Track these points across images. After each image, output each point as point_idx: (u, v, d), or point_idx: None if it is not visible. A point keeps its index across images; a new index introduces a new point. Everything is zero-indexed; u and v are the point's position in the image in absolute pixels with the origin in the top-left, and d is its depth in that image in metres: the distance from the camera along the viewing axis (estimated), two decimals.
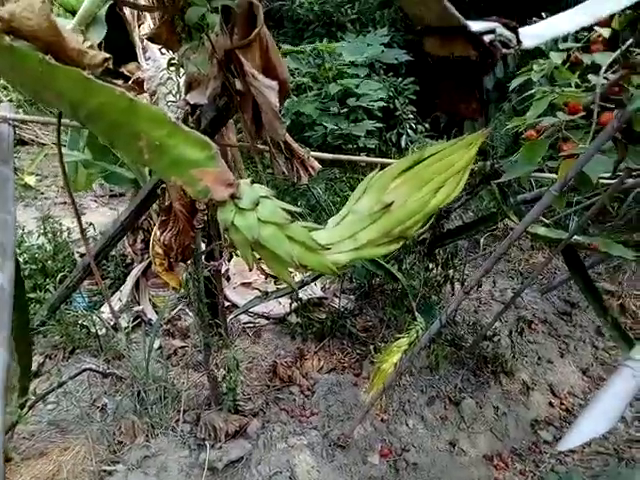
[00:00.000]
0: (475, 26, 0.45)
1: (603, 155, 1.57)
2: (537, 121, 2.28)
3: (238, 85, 1.44)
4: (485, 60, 0.49)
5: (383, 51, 4.83)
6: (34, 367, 2.56)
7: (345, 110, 4.36)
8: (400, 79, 4.91)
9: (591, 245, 2.38)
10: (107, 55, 0.56)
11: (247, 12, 1.37)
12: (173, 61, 1.42)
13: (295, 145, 1.78)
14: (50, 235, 3.28)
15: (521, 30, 0.50)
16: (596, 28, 2.18)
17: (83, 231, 2.13)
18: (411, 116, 4.93)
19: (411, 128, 4.95)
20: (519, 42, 0.48)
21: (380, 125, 4.48)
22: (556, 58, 1.98)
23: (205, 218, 1.88)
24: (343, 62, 4.42)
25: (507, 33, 0.46)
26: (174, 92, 1.57)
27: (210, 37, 1.32)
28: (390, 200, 0.63)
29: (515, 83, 2.95)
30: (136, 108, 0.50)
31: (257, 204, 0.54)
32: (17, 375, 1.84)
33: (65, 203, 4.71)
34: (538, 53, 2.93)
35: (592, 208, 2.20)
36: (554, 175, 2.34)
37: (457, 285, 3.25)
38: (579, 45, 2.18)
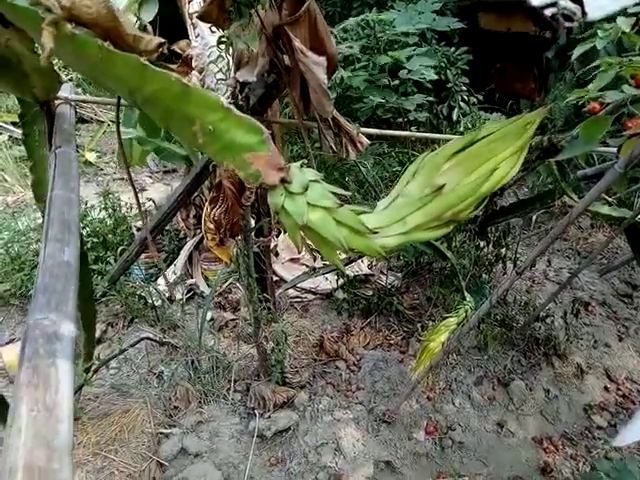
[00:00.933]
0: (535, 0, 0.42)
1: None
2: (600, 94, 2.14)
3: (286, 61, 1.43)
4: (545, 35, 0.46)
5: (435, 19, 4.63)
6: (97, 334, 2.74)
7: (396, 82, 4.24)
8: (453, 49, 4.71)
9: None
10: (162, 40, 0.57)
11: None
12: (223, 39, 1.43)
13: (343, 120, 1.75)
14: (110, 210, 3.44)
15: (586, 0, 0.46)
16: None
17: (140, 206, 2.23)
18: (464, 88, 4.72)
19: (463, 100, 4.75)
20: (584, 14, 0.45)
21: (431, 99, 4.34)
22: (623, 23, 1.83)
23: (253, 196, 1.91)
24: (394, 32, 4.28)
25: (571, 5, 0.43)
26: (224, 70, 1.58)
27: (259, 13, 1.31)
28: (441, 183, 0.62)
29: (578, 51, 2.76)
30: (190, 93, 0.50)
31: (306, 188, 0.55)
32: (82, 342, 1.98)
33: (123, 179, 4.92)
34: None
35: None
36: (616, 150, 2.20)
37: (509, 264, 3.15)
38: None
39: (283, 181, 0.53)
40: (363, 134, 1.85)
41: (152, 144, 3.09)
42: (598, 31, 2.50)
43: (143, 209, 3.69)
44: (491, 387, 2.63)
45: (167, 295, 3.03)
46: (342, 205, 0.56)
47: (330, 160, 3.90)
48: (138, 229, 3.73)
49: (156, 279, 3.22)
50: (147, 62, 0.53)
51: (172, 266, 3.21)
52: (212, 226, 3.16)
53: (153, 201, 3.90)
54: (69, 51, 0.59)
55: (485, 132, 0.67)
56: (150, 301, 2.90)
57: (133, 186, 1.52)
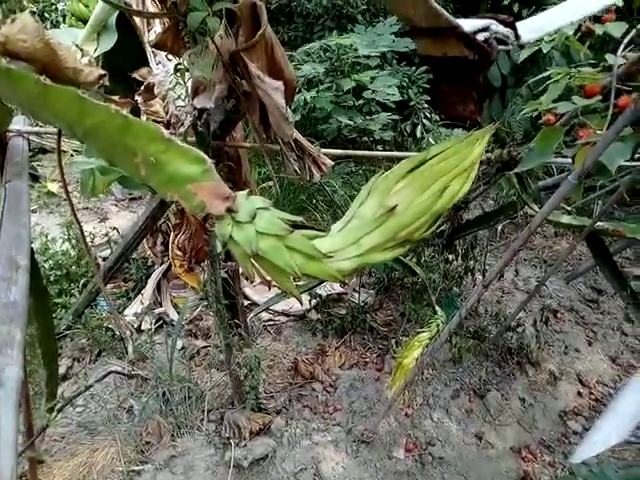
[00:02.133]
0: (467, 25, 0.43)
1: (621, 142, 1.51)
2: (553, 106, 2.22)
3: (245, 87, 1.44)
4: (481, 58, 0.47)
5: (394, 40, 4.76)
6: (62, 370, 2.63)
7: (360, 102, 4.32)
8: (413, 68, 4.84)
9: (617, 231, 2.31)
10: (102, 72, 0.56)
11: (251, 13, 1.36)
12: (179, 66, 1.43)
13: (306, 143, 1.77)
14: (73, 241, 3.34)
15: (519, 24, 0.47)
16: None
17: (84, 240, 2.16)
18: (426, 105, 4.85)
19: (426, 117, 4.87)
20: (517, 37, 0.46)
21: (395, 117, 4.43)
22: (567, 29, 1.92)
23: None
24: (356, 55, 4.37)
25: (503, 29, 0.44)
26: (182, 97, 1.57)
27: (214, 41, 1.32)
28: (393, 203, 0.62)
29: (524, 55, 2.86)
30: (130, 125, 0.49)
31: (254, 216, 0.54)
32: (44, 380, 1.89)
33: (87, 209, 4.81)
34: None
35: (614, 195, 2.14)
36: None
37: (478, 276, 3.20)
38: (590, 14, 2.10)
39: (229, 211, 0.52)
40: (327, 155, 1.86)
41: (115, 173, 3.02)
42: (544, 37, 2.61)
43: (108, 238, 3.60)
44: (468, 399, 2.64)
45: (135, 326, 2.95)
46: (293, 231, 0.55)
47: (298, 182, 3.91)
48: (103, 259, 3.64)
49: (123, 310, 3.13)
50: (85, 95, 0.51)
51: (140, 295, 3.13)
52: (179, 252, 3.11)
53: (117, 229, 3.81)
54: (5, 85, 0.57)
55: (436, 150, 0.67)
56: (117, 333, 2.81)
57: (75, 216, 1.48)
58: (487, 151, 2.72)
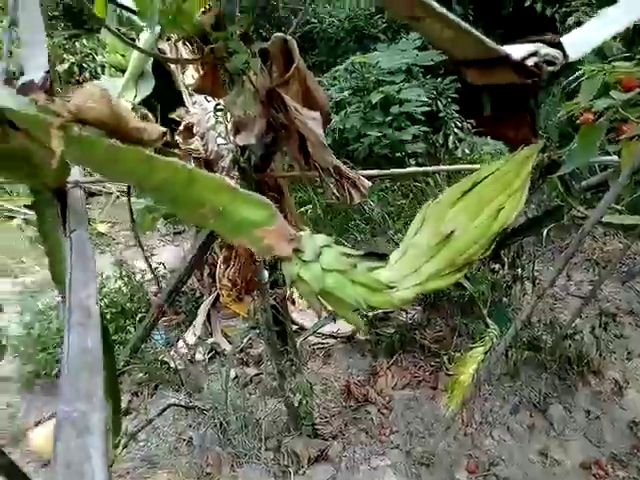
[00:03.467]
0: (515, 52, 0.44)
1: None
2: (591, 104, 2.17)
3: (282, 120, 1.49)
4: (533, 83, 0.48)
5: (417, 55, 4.78)
6: (123, 405, 2.71)
7: (389, 118, 4.34)
8: (440, 79, 4.83)
9: None
10: (163, 129, 0.60)
11: (282, 49, 1.42)
12: (219, 106, 1.49)
13: (343, 167, 1.79)
14: (125, 278, 3.48)
15: (563, 40, 0.48)
16: None
17: (153, 271, 2.26)
18: (456, 115, 4.82)
19: (457, 127, 4.84)
20: (566, 56, 0.47)
21: (426, 129, 4.42)
22: None
23: None
24: (381, 70, 4.42)
25: (551, 51, 0.45)
26: (222, 134, 1.64)
27: (251, 79, 1.37)
28: (449, 230, 0.63)
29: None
30: (196, 178, 0.53)
31: (319, 254, 0.56)
32: (109, 416, 1.96)
33: (136, 246, 5.00)
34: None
35: None
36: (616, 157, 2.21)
37: (527, 284, 3.11)
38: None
39: (296, 251, 0.55)
40: (363, 176, 1.88)
41: (159, 211, 3.16)
42: None
43: (155, 274, 3.73)
44: (528, 414, 2.55)
45: (189, 357, 3.02)
46: (356, 265, 0.57)
47: (336, 204, 3.94)
48: (155, 294, 3.76)
49: (177, 342, 3.21)
50: (152, 153, 0.55)
51: (191, 327, 3.20)
52: (227, 283, 3.18)
53: (164, 264, 3.94)
54: (77, 151, 0.62)
55: (486, 172, 0.68)
56: (173, 365, 2.88)
57: (144, 252, 1.55)
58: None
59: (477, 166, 4.00)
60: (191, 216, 0.57)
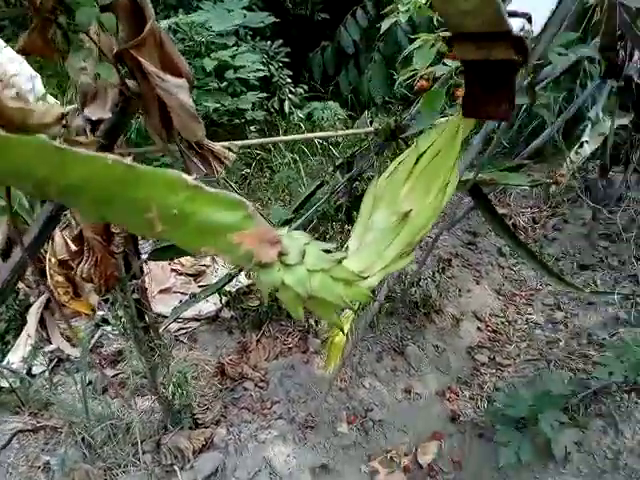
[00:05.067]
0: (515, 28, 0.42)
1: None
2: (430, 71, 2.35)
3: (137, 87, 1.27)
4: (519, 59, 0.46)
5: (245, 15, 4.62)
6: None
7: (224, 84, 4.14)
8: (270, 42, 4.77)
9: (491, 180, 2.58)
10: (62, 110, 0.43)
11: (130, 6, 1.19)
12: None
13: (206, 140, 1.64)
14: None
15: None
16: None
17: None
18: (289, 80, 4.84)
19: (291, 92, 4.88)
20: (532, 32, 0.47)
21: (262, 95, 4.35)
22: None
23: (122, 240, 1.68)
24: (210, 33, 4.16)
25: (528, 26, 0.44)
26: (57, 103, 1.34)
27: (94, 40, 1.13)
28: (407, 209, 0.59)
29: (385, 26, 2.97)
30: (137, 175, 0.39)
31: (304, 255, 0.47)
32: None
33: None
34: None
35: (491, 146, 2.36)
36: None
37: None
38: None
39: (280, 254, 0.45)
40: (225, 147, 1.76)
41: None
42: (399, 6, 2.72)
43: None
44: (390, 358, 2.80)
45: (25, 371, 2.56)
46: (340, 262, 0.50)
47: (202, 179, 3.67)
48: None
49: (4, 356, 2.68)
50: (62, 144, 0.40)
51: (22, 335, 2.71)
52: (61, 279, 2.75)
53: None
54: None
55: (423, 146, 0.66)
56: (5, 384, 2.41)
57: None
58: (370, 121, 2.81)
59: (323, 134, 4.08)
60: (129, 223, 0.43)
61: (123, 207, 0.41)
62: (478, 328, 3.09)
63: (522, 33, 0.45)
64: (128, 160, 0.38)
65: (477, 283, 3.43)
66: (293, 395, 2.49)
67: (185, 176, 0.40)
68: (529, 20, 0.47)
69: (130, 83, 1.29)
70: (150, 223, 0.41)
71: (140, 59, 1.16)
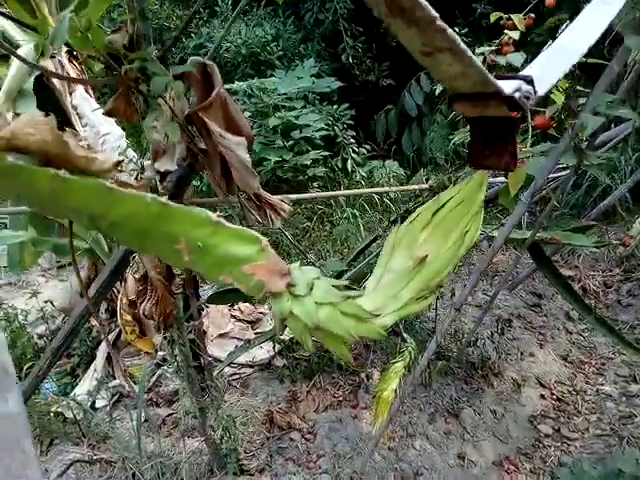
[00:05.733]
0: (506, 87, 0.47)
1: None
2: None
3: (203, 145, 1.43)
4: (517, 116, 0.51)
5: (314, 82, 4.96)
6: None
7: (290, 143, 4.42)
8: (335, 106, 5.04)
9: (553, 239, 2.51)
10: (119, 158, 0.54)
11: (202, 73, 1.37)
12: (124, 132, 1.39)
13: (263, 192, 1.77)
14: (4, 322, 3.05)
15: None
16: (505, 31, 2.34)
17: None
18: (352, 140, 5.06)
19: (354, 152, 5.07)
20: (536, 93, 0.51)
21: (325, 153, 4.57)
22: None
23: (181, 282, 1.82)
24: (279, 95, 4.49)
25: (528, 87, 0.48)
26: (134, 159, 1.52)
27: (169, 103, 1.30)
28: (423, 254, 0.63)
29: (440, 87, 3.07)
30: (170, 212, 0.47)
31: (312, 288, 0.53)
32: None
33: (10, 284, 4.43)
34: None
35: (548, 205, 2.32)
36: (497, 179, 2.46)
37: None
38: (492, 48, 2.33)
39: (288, 285, 0.51)
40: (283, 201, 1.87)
41: (47, 243, 2.84)
42: None
43: (43, 313, 3.33)
44: (444, 421, 2.68)
45: (89, 404, 2.72)
46: (348, 297, 0.55)
47: (254, 227, 3.89)
48: (40, 336, 3.35)
49: (72, 389, 2.87)
50: (113, 185, 0.49)
51: (90, 370, 2.89)
52: (129, 318, 2.94)
53: (51, 302, 3.54)
54: (11, 184, 0.53)
55: (446, 197, 0.70)
56: (70, 415, 2.57)
57: None
58: (427, 179, 2.87)
59: (378, 189, 4.19)
60: (161, 252, 0.51)
61: (158, 239, 0.49)
62: (541, 395, 2.89)
63: (517, 94, 0.50)
64: (164, 199, 0.46)
65: (541, 347, 3.25)
66: (340, 450, 2.44)
67: (209, 213, 0.48)
68: (530, 82, 0.51)
69: (199, 142, 1.45)
70: (179, 253, 0.48)
71: (206, 120, 1.32)
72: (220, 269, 0.50)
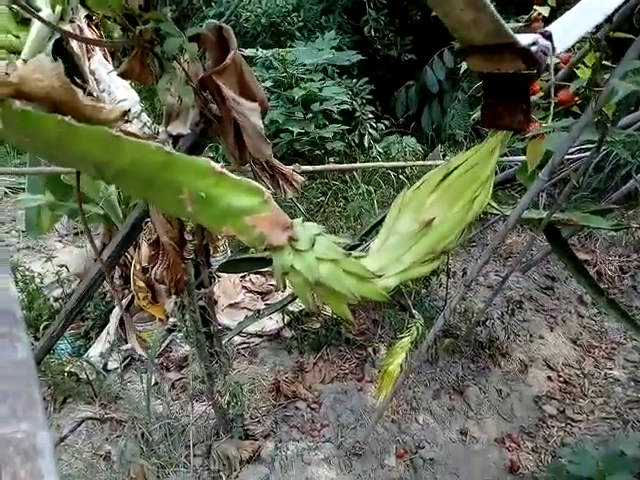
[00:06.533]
0: (522, 40, 0.45)
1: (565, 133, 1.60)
2: None
3: (216, 109, 1.41)
4: (532, 71, 0.49)
5: (334, 54, 4.86)
6: None
7: (310, 115, 4.37)
8: (355, 80, 4.95)
9: (570, 220, 2.46)
10: (125, 108, 0.53)
11: (217, 37, 1.35)
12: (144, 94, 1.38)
13: (276, 161, 1.76)
14: (22, 284, 3.12)
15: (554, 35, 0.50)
16: (535, 7, 2.25)
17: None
18: (370, 116, 4.97)
19: (372, 127, 5.00)
20: (554, 49, 0.48)
21: (344, 127, 4.52)
22: None
23: (193, 248, 1.84)
24: (299, 67, 4.43)
25: (546, 42, 0.46)
26: (148, 123, 1.52)
27: (183, 66, 1.29)
28: (430, 217, 0.63)
29: (465, 65, 3.00)
30: (174, 161, 0.47)
31: (314, 243, 0.53)
32: None
33: (28, 248, 4.52)
34: None
35: (567, 186, 2.27)
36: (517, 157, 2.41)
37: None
38: (521, 24, 2.25)
39: (289, 239, 0.51)
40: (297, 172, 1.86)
41: (65, 207, 2.88)
42: None
43: (58, 277, 3.40)
44: (449, 397, 2.70)
45: (101, 366, 2.79)
46: (349, 254, 0.55)
47: None
48: (56, 299, 3.43)
49: (85, 351, 2.95)
50: (119, 133, 0.49)
51: (103, 334, 2.96)
52: (143, 284, 2.98)
53: (66, 267, 3.61)
54: (19, 130, 0.53)
55: (457, 162, 0.69)
56: (83, 376, 2.64)
57: None
58: (444, 155, 2.83)
59: (394, 163, 4.14)
60: (165, 203, 0.51)
61: (162, 188, 0.49)
62: (548, 377, 2.89)
63: (534, 47, 0.48)
64: (168, 148, 0.46)
65: (551, 330, 3.23)
66: (344, 420, 2.48)
67: (213, 163, 0.47)
68: (548, 37, 0.49)
69: (213, 106, 1.44)
70: (182, 204, 0.48)
71: (220, 84, 1.30)
72: (223, 220, 0.50)
